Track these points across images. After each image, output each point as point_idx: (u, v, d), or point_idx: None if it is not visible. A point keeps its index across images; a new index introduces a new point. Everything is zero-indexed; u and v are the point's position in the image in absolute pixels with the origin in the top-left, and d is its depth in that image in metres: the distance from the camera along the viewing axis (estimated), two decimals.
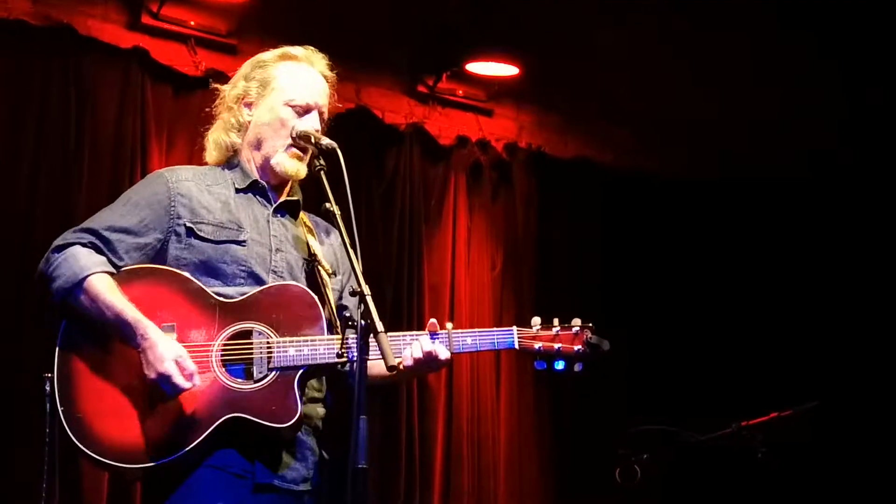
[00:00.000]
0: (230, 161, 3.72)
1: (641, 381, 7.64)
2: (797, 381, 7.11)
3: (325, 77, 3.75)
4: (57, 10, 5.86)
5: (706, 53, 6.97)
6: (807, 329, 7.93)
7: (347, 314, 3.49)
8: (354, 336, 3.22)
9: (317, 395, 3.58)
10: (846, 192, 8.06)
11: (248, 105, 3.69)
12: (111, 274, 3.44)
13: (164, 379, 3.31)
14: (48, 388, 3.44)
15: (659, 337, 7.80)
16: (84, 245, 3.46)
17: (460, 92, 7.37)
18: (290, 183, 3.74)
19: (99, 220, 3.53)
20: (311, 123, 3.64)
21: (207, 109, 3.80)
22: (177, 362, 3.32)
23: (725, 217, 8.26)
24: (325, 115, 3.72)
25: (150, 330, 3.35)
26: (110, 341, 3.41)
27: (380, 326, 3.14)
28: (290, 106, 3.65)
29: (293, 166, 3.65)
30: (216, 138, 3.74)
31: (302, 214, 3.76)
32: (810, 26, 6.57)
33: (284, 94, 3.66)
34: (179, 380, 3.31)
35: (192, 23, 6.23)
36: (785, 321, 8.02)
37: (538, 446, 7.55)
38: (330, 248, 3.77)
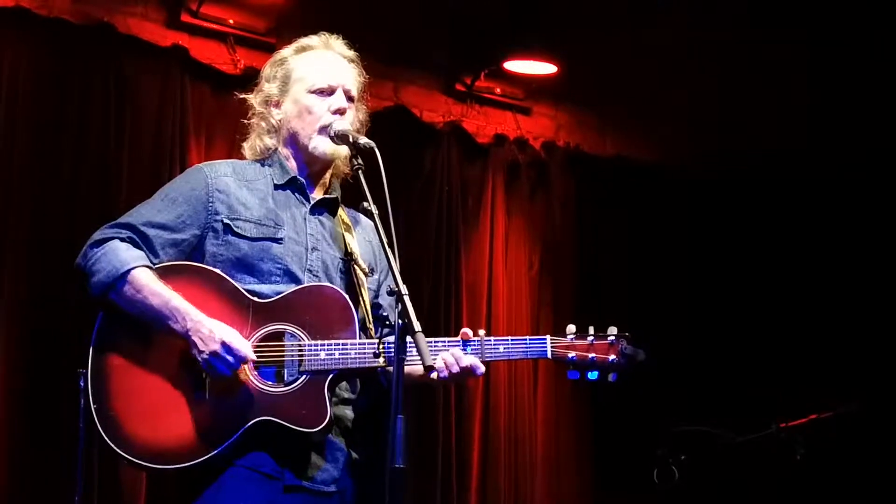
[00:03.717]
0: (269, 157, 3.72)
1: (679, 381, 7.60)
2: (838, 382, 7.05)
3: (343, 56, 3.74)
4: (97, 9, 5.90)
5: (747, 52, 6.93)
6: (849, 329, 7.86)
7: (383, 313, 3.50)
8: (392, 336, 3.21)
9: (348, 396, 3.58)
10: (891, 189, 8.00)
11: (276, 105, 3.69)
12: (150, 268, 3.45)
13: (218, 358, 3.33)
14: (82, 384, 3.45)
15: (699, 335, 7.76)
16: (122, 240, 3.47)
17: (498, 90, 7.37)
18: (328, 179, 3.73)
19: (136, 215, 3.54)
20: (338, 101, 3.63)
21: (243, 121, 3.79)
22: (228, 342, 3.33)
23: (762, 215, 8.20)
24: (354, 92, 3.70)
25: (199, 314, 3.37)
26: (147, 338, 3.42)
27: (417, 326, 3.12)
28: (313, 92, 3.64)
29: (331, 147, 3.63)
30: (251, 144, 3.74)
31: (341, 210, 3.75)
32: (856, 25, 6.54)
33: (305, 82, 3.66)
34: (233, 358, 3.33)
35: (231, 21, 6.26)
36: (827, 320, 7.95)
37: (576, 446, 7.53)
38: (368, 245, 3.76)
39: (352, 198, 3.68)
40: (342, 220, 3.74)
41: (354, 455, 3.57)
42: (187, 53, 6.14)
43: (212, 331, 3.34)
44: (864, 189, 8.02)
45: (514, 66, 7.09)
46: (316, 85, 3.65)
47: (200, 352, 3.34)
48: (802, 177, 8.02)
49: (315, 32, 3.83)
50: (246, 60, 6.19)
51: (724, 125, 7.76)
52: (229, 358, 3.34)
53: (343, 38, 3.81)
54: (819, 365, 7.62)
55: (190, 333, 3.36)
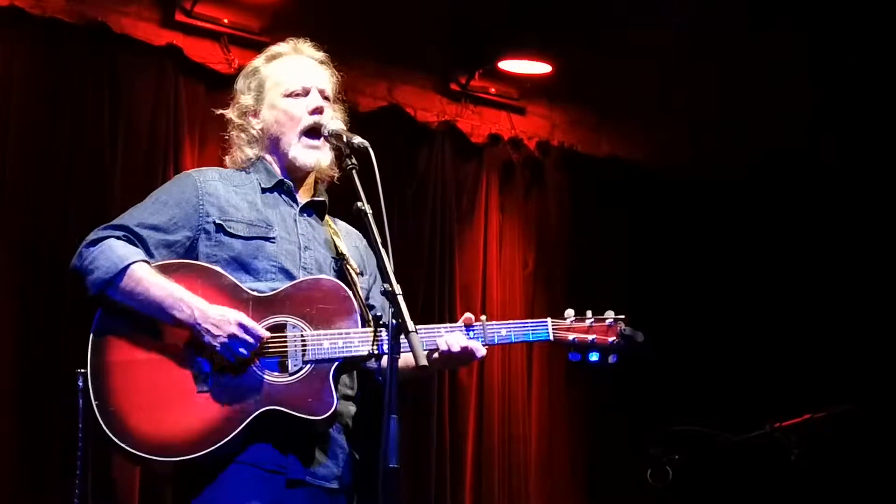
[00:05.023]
0: (253, 164, 3.73)
1: (674, 381, 7.60)
2: (832, 383, 7.05)
3: (313, 58, 3.77)
4: (91, 8, 5.90)
5: (742, 52, 6.93)
6: (844, 329, 7.87)
7: (377, 314, 3.51)
8: (386, 335, 3.23)
9: (349, 392, 3.58)
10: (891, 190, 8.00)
11: (254, 114, 3.72)
12: (148, 263, 3.46)
13: (237, 340, 3.33)
14: (81, 384, 3.44)
15: (691, 336, 7.76)
16: (118, 238, 3.48)
17: (493, 90, 7.36)
18: (314, 181, 3.75)
19: (129, 217, 3.55)
20: (314, 101, 3.66)
21: (222, 134, 3.81)
22: (241, 323, 3.34)
23: (761, 216, 8.20)
24: (329, 92, 3.73)
25: (203, 302, 3.38)
26: (145, 332, 3.41)
27: (411, 326, 3.13)
28: (288, 96, 3.68)
29: (312, 157, 3.66)
30: (233, 157, 3.77)
31: (326, 218, 3.77)
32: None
33: (279, 87, 3.69)
34: (251, 337, 3.33)
35: (226, 20, 6.26)
36: (823, 320, 7.95)
37: (570, 445, 7.53)
38: (356, 250, 3.78)
39: (338, 202, 3.71)
40: (329, 225, 3.76)
41: (356, 454, 3.58)
42: (181, 53, 6.14)
43: (223, 315, 3.35)
44: (863, 189, 8.01)
45: (509, 65, 7.09)
46: (290, 88, 3.68)
47: (215, 336, 3.34)
48: (802, 177, 8.02)
49: (310, 32, 3.86)
50: (240, 60, 6.17)
51: (724, 125, 7.76)
52: (248, 338, 3.34)
53: (336, 39, 3.85)
54: (814, 365, 7.62)
55: (199, 321, 3.35)
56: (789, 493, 5.52)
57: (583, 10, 6.56)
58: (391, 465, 3.03)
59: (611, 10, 6.54)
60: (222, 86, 6.07)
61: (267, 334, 3.39)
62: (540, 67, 7.11)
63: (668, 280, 7.90)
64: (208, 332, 3.35)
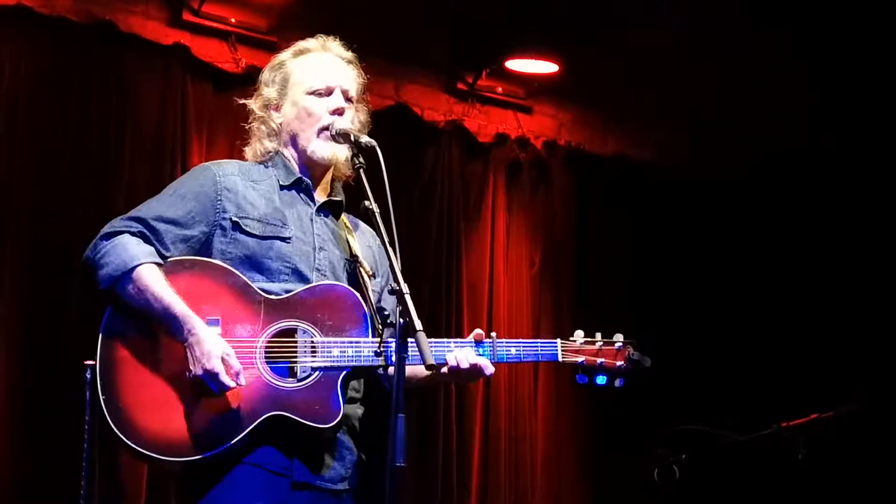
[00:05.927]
0: (272, 159, 3.74)
1: (681, 380, 7.59)
2: (839, 382, 7.05)
3: (341, 58, 3.77)
4: (98, 7, 5.90)
5: (742, 52, 6.93)
6: (850, 329, 7.86)
7: (385, 313, 3.51)
8: (393, 335, 3.23)
9: (355, 395, 3.59)
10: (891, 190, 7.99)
11: (276, 108, 3.73)
12: (159, 265, 3.45)
13: (210, 376, 3.32)
14: (89, 377, 3.44)
15: (697, 335, 7.76)
16: (133, 234, 3.48)
17: (499, 89, 7.36)
18: (331, 179, 3.76)
19: (147, 210, 3.55)
20: (336, 102, 3.66)
21: (244, 125, 3.81)
22: (223, 360, 3.33)
23: (762, 215, 8.20)
24: (353, 93, 3.74)
25: (197, 325, 3.37)
26: (155, 332, 3.42)
27: (418, 325, 3.13)
28: (311, 94, 3.68)
29: (329, 150, 3.65)
30: (252, 148, 3.77)
31: (342, 216, 3.78)
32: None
33: (303, 84, 3.70)
34: (225, 378, 3.32)
35: (233, 20, 6.26)
36: (828, 320, 7.94)
37: (576, 444, 7.52)
38: (369, 250, 3.79)
39: (350, 201, 3.71)
40: (345, 224, 3.77)
41: (362, 456, 3.59)
42: (189, 52, 6.14)
43: (203, 354, 3.34)
44: (864, 189, 8.01)
45: (516, 64, 7.10)
46: (314, 87, 3.68)
47: (196, 363, 3.35)
48: (802, 177, 8.01)
49: (317, 31, 3.85)
50: (247, 59, 6.19)
51: (724, 125, 7.76)
52: (212, 385, 3.34)
53: (343, 38, 3.83)
54: (820, 364, 7.61)
55: (186, 346, 3.37)
56: (796, 493, 5.52)
57: (589, 9, 6.56)
58: (398, 465, 3.03)
59: (611, 10, 6.54)
60: (230, 85, 6.10)
61: (234, 385, 3.35)
62: (547, 67, 7.11)
63: (674, 278, 7.90)
64: (193, 356, 3.35)
